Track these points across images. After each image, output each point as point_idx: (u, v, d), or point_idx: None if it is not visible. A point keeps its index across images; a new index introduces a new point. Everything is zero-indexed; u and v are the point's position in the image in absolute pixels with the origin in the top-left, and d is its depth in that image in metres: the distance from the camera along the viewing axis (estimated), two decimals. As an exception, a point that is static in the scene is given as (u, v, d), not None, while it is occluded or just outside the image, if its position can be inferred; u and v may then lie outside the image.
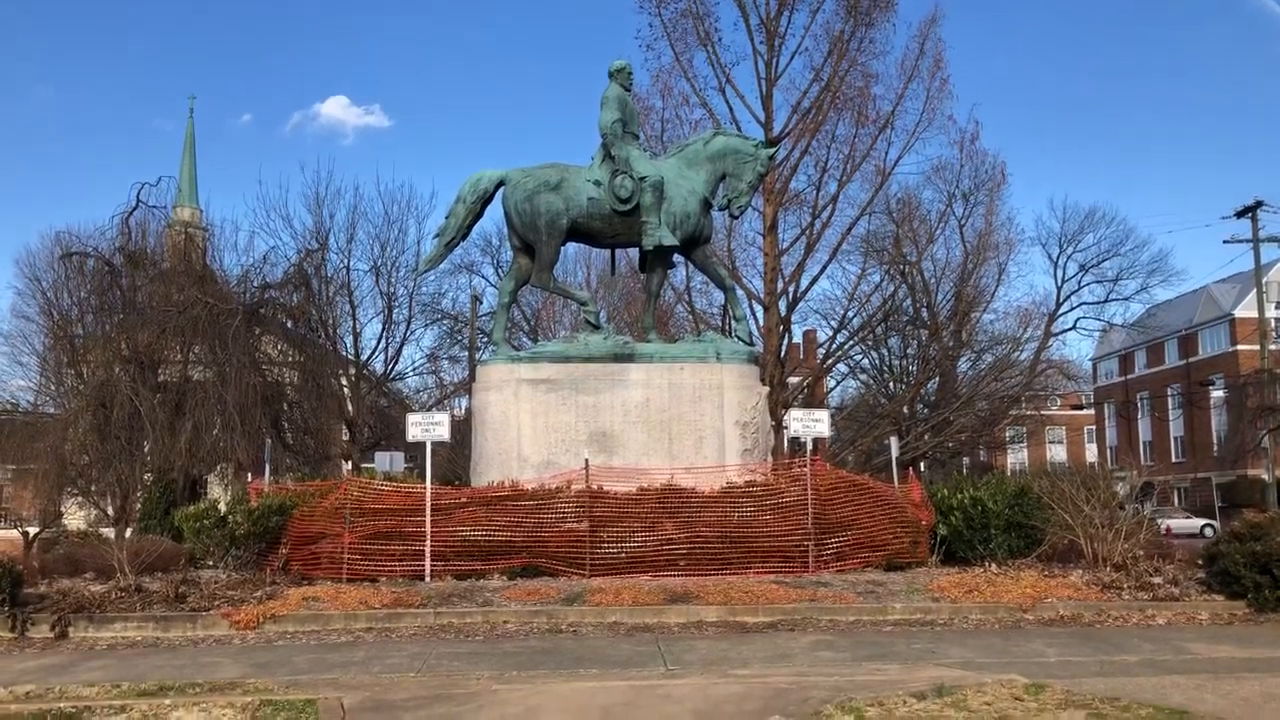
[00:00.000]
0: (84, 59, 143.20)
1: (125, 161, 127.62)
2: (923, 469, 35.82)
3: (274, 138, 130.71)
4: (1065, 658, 10.91)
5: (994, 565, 16.40)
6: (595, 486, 16.39)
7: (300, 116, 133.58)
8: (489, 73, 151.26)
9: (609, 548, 16.00)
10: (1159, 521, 40.37)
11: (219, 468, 28.46)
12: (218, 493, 27.62)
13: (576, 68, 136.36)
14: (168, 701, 8.84)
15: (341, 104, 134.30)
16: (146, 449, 26.44)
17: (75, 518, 35.09)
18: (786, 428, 18.73)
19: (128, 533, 24.40)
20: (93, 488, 30.15)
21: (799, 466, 17.24)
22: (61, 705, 8.75)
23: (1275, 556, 13.73)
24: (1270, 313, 48.88)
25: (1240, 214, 44.13)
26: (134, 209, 28.44)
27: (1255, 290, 45.55)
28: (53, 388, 32.39)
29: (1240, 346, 62.75)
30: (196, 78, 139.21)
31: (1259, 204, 43.48)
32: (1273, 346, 47.84)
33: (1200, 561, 15.57)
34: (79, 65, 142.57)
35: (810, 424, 18.16)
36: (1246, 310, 59.13)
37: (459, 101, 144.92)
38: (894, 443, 21.79)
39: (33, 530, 28.13)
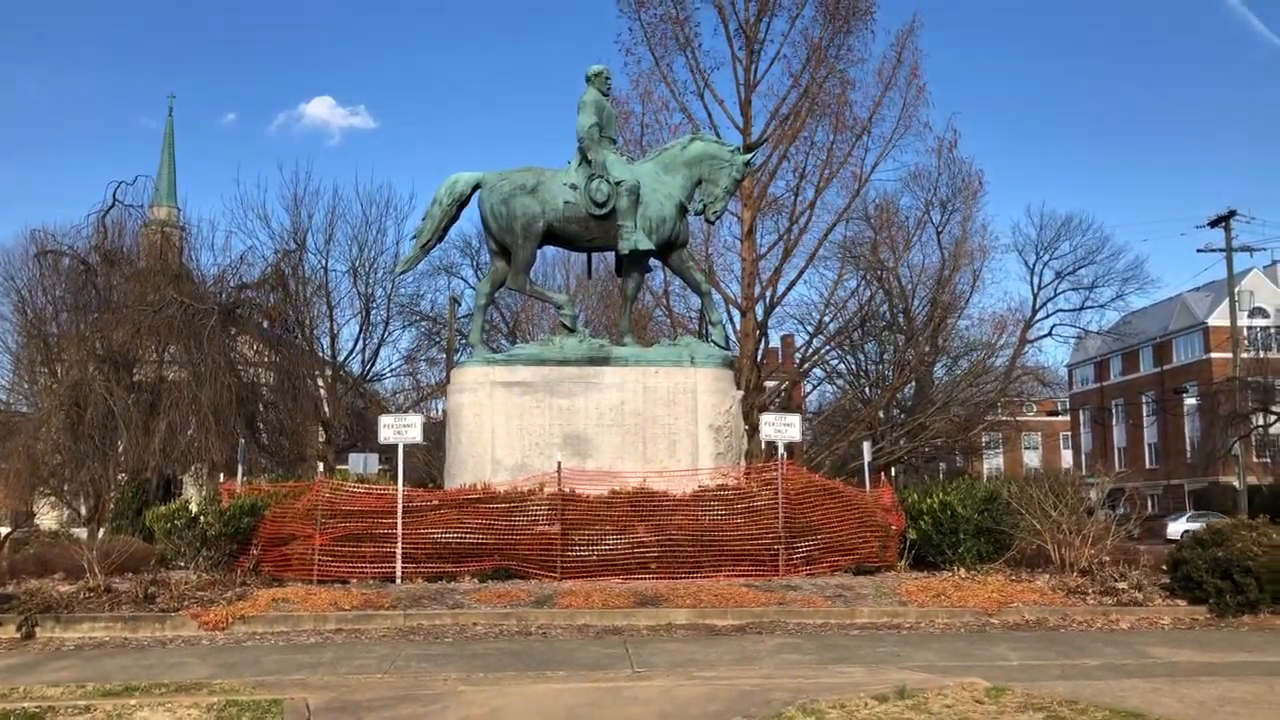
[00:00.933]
0: (66, 54, 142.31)
1: (109, 158, 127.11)
2: (894, 474, 36.06)
3: (258, 138, 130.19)
4: (1028, 661, 11.04)
5: (962, 570, 16.52)
6: (568, 489, 16.44)
7: (285, 117, 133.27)
8: (475, 75, 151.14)
9: (580, 550, 16.05)
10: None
11: (193, 468, 28.39)
12: (192, 493, 27.56)
13: (562, 72, 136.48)
14: (133, 702, 8.85)
15: (327, 104, 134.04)
16: (120, 449, 26.34)
17: (47, 518, 34.93)
18: (760, 432, 18.82)
19: (100, 533, 24.31)
20: (65, 487, 30.05)
21: (770, 470, 17.34)
22: (25, 705, 8.73)
23: (1236, 562, 13.92)
24: (1242, 321, 49.52)
25: (1214, 223, 44.71)
26: (110, 208, 28.44)
27: (1228, 299, 46.10)
28: (25, 386, 32.31)
29: (1214, 354, 63.48)
30: (181, 75, 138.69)
31: (1232, 213, 44.04)
32: (1245, 354, 48.43)
33: (1165, 567, 15.75)
34: (61, 61, 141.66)
35: (782, 428, 18.28)
36: (1220, 319, 59.77)
37: (445, 104, 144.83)
38: (866, 447, 21.92)
39: (3, 530, 27.96)
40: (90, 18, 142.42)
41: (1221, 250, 44.52)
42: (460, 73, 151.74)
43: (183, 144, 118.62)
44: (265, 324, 30.64)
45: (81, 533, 25.65)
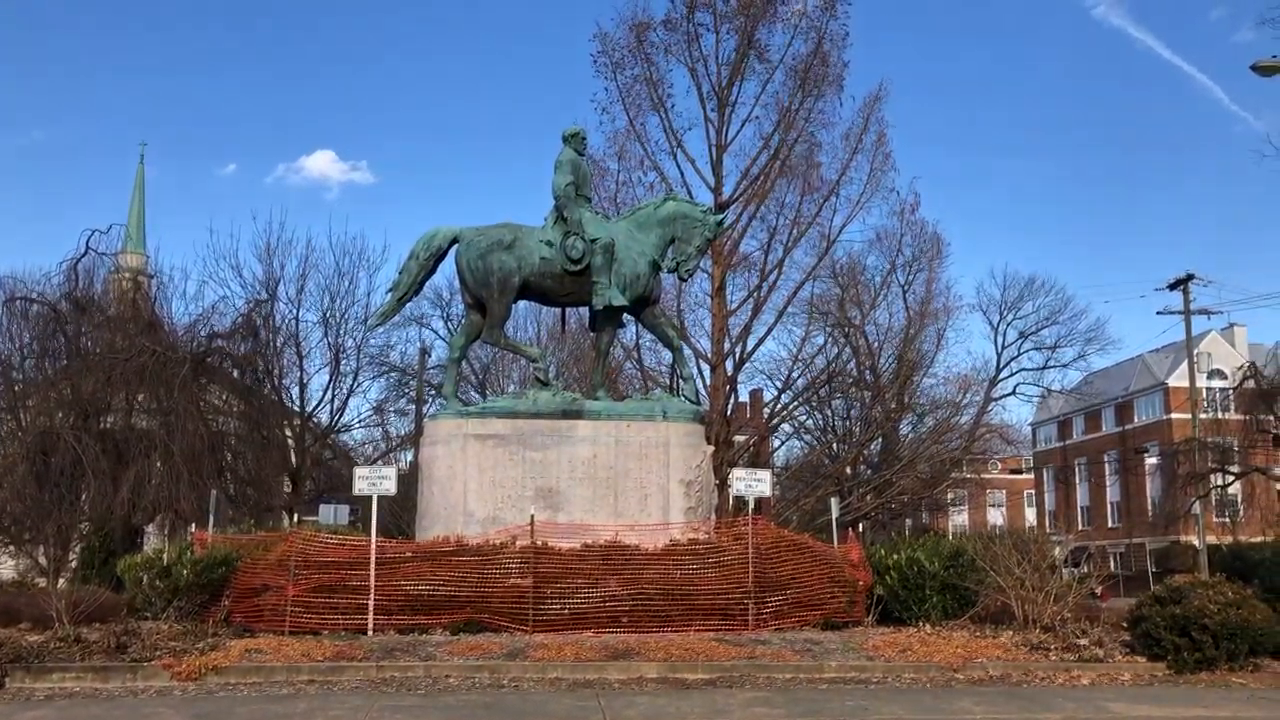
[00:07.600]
0: (71, 101, 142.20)
1: (107, 205, 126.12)
2: (861, 530, 36.36)
3: (254, 189, 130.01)
4: (991, 714, 11.29)
5: (928, 625, 16.77)
6: (540, 543, 16.59)
7: (284, 169, 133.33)
8: (477, 136, 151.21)
9: (552, 604, 16.15)
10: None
11: (159, 517, 28.15)
12: (156, 543, 27.32)
13: (541, 128, 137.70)
14: (109, 751, 8.89)
15: (328, 159, 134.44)
16: (84, 498, 26.08)
17: (4, 567, 34.37)
18: (730, 486, 19.09)
19: (60, 583, 24.02)
20: (27, 536, 29.63)
21: (741, 525, 17.57)
22: (1, 754, 8.76)
23: (1194, 620, 14.26)
24: (1201, 382, 50.47)
25: (1173, 286, 45.57)
26: (83, 255, 28.37)
27: (1187, 360, 47.01)
28: (-12, 434, 31.87)
29: (1174, 415, 64.50)
30: (184, 125, 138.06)
31: (1190, 277, 44.95)
32: (1204, 415, 49.32)
33: (1125, 624, 16.07)
34: (59, 107, 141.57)
35: (752, 483, 18.56)
36: (1179, 379, 60.84)
37: (439, 161, 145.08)
38: (834, 503, 22.24)
39: (-41, 580, 27.50)
40: (94, 63, 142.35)
41: (1180, 313, 45.44)
42: (455, 131, 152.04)
43: (177, 193, 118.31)
44: (236, 373, 30.58)
45: (42, 583, 25.30)
